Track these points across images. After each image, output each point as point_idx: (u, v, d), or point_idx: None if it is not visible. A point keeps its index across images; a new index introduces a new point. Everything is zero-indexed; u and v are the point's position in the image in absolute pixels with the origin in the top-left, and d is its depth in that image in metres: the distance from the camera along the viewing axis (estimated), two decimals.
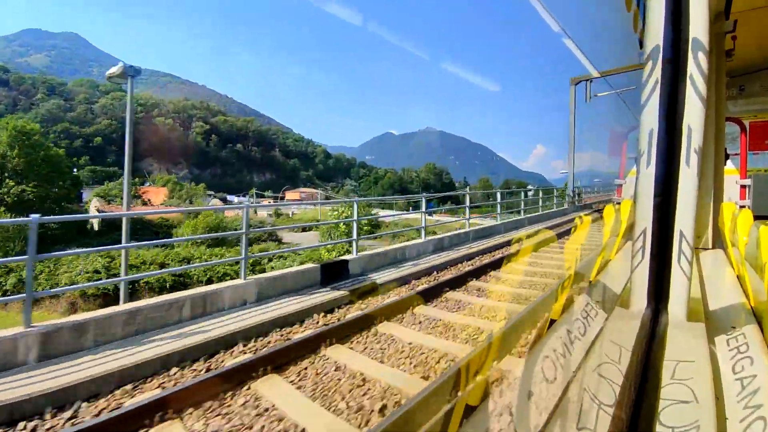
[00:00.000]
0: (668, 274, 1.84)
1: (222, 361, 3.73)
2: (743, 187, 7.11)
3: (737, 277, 2.89)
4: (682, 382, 1.29)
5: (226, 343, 4.01)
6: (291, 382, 3.36)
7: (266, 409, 2.97)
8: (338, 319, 4.77)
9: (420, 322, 4.75)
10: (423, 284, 6.45)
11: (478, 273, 7.02)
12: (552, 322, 2.18)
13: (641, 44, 3.66)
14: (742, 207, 6.58)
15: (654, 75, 1.89)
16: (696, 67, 1.83)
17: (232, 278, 8.72)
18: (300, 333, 4.37)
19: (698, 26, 1.85)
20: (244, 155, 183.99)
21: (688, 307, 1.83)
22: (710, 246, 4.28)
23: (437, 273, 7.33)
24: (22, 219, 4.02)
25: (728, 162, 7.17)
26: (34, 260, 3.78)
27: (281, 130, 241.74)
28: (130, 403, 2.99)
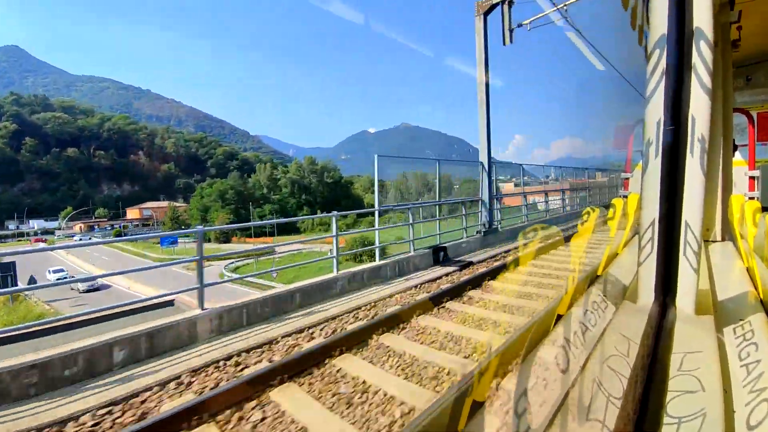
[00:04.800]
0: (676, 267, 1.83)
1: None
2: (752, 178, 7.02)
3: (746, 268, 2.87)
4: (689, 373, 1.29)
5: None
6: None
7: None
8: None
9: None
10: None
11: None
12: (559, 317, 2.18)
13: (640, 41, 3.62)
14: (750, 198, 6.50)
15: (660, 65, 1.88)
16: (700, 57, 1.81)
17: None
18: None
19: (702, 16, 1.83)
20: (84, 162, 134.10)
21: (697, 300, 1.82)
22: (719, 238, 4.23)
23: None
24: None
25: (736, 153, 7.08)
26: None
27: (172, 130, 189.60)
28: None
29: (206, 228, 4.83)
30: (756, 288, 2.37)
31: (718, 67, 3.84)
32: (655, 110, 1.88)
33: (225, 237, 61.61)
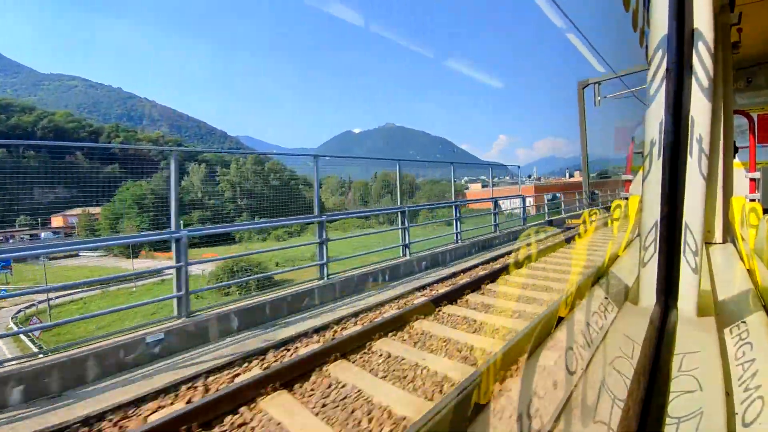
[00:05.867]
0: (677, 269, 1.83)
1: None
2: (752, 180, 7.02)
3: (747, 270, 2.87)
4: (688, 373, 1.30)
5: None
6: None
7: None
8: None
9: None
10: None
11: None
12: (560, 319, 2.17)
13: (641, 42, 3.63)
14: (752, 200, 6.50)
15: (661, 67, 1.88)
16: (700, 59, 1.82)
17: None
18: None
19: (702, 18, 1.84)
20: (11, 164, 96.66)
21: (698, 302, 1.82)
22: (720, 240, 4.23)
23: None
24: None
25: (737, 155, 7.08)
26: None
27: (123, 128, 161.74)
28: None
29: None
30: (757, 289, 2.38)
31: (719, 69, 3.84)
32: (657, 112, 1.89)
33: (134, 251, 47.32)
